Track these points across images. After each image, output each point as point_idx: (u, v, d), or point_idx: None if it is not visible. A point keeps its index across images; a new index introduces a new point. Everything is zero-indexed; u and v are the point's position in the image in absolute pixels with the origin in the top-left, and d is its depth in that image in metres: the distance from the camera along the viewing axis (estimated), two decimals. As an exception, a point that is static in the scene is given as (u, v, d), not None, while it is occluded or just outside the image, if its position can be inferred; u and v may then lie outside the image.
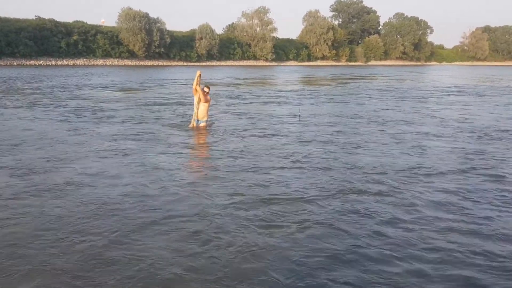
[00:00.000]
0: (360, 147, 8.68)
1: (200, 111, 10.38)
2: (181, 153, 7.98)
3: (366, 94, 21.96)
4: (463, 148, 8.67)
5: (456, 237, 4.34)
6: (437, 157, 7.81)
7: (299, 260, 3.84)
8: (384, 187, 5.92)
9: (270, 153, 7.95)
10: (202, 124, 10.50)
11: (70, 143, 8.58)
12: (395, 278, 3.56)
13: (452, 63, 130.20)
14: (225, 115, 13.31)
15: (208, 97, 10.52)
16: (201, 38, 79.04)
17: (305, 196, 5.51)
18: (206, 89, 10.41)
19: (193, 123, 10.46)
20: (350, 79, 38.91)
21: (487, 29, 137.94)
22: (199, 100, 10.22)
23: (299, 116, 12.96)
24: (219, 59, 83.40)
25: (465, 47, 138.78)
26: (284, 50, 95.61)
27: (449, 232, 4.46)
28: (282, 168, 6.88)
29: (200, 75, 10.21)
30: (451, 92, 24.19)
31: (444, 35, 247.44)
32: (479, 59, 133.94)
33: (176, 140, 9.18)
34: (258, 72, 50.57)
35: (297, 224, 4.62)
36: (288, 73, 49.89)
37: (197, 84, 10.14)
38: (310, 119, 12.58)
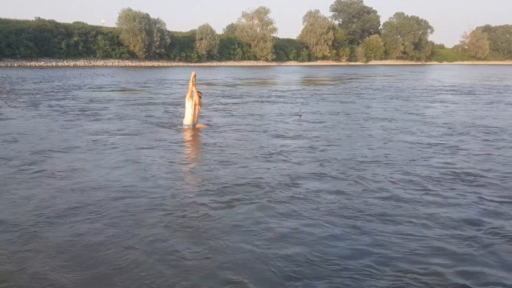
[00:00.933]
0: (362, 146, 8.67)
1: (196, 114, 10.16)
2: (177, 151, 7.98)
3: (369, 94, 21.96)
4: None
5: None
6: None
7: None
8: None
9: (269, 152, 7.95)
10: (199, 125, 10.35)
11: (58, 139, 8.61)
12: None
13: (453, 63, 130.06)
14: (225, 114, 13.31)
15: (201, 100, 10.25)
16: (201, 39, 79.02)
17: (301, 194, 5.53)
18: (199, 94, 10.14)
19: (189, 127, 10.12)
20: (351, 78, 38.92)
21: (487, 29, 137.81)
22: (196, 102, 9.93)
23: (300, 115, 12.98)
24: (220, 60, 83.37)
25: (466, 47, 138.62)
26: (284, 50, 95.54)
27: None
28: (280, 163, 6.90)
29: (195, 75, 10.08)
30: (457, 91, 24.20)
31: (445, 35, 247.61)
32: (479, 59, 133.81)
33: (171, 139, 9.19)
34: (258, 73, 50.59)
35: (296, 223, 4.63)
36: (288, 73, 49.90)
37: (193, 85, 9.99)
38: (311, 118, 12.58)
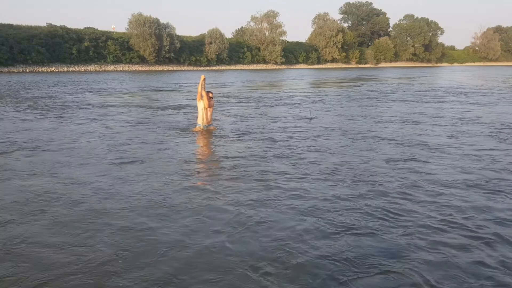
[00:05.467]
0: (373, 149, 8.55)
1: (208, 116, 10.34)
2: (189, 153, 7.94)
3: (381, 97, 21.78)
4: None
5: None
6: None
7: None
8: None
9: (280, 154, 7.87)
10: (211, 128, 10.49)
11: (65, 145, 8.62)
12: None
13: (464, 64, 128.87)
14: (236, 117, 13.27)
15: (212, 101, 10.45)
16: (211, 43, 79.29)
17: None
18: (210, 94, 10.33)
19: (201, 128, 10.32)
20: (362, 80, 38.69)
21: (498, 29, 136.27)
22: (205, 106, 10.10)
23: (310, 118, 12.89)
24: (229, 63, 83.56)
25: (477, 48, 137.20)
26: (293, 53, 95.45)
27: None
28: (291, 169, 6.81)
29: (204, 79, 10.22)
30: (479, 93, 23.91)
31: (455, 36, 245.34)
32: (491, 60, 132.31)
33: (182, 141, 9.16)
34: (268, 76, 50.57)
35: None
36: (298, 77, 49.80)
37: (202, 88, 10.09)
38: (321, 121, 12.48)
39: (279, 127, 11.34)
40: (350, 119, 12.97)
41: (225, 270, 3.64)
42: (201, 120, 10.28)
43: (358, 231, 4.40)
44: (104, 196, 5.50)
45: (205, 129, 10.36)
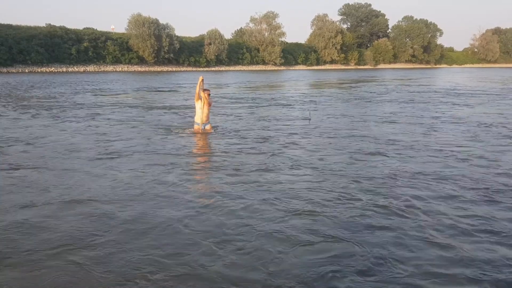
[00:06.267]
0: (378, 152, 8.59)
1: (205, 114, 10.47)
2: (185, 155, 7.96)
3: (378, 97, 21.83)
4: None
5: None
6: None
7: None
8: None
9: (279, 154, 7.90)
10: (208, 127, 10.59)
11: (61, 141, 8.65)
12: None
13: (463, 66, 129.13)
14: (234, 118, 13.30)
15: (210, 99, 10.60)
16: (210, 43, 79.35)
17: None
18: (207, 92, 10.47)
19: (199, 127, 10.49)
20: (361, 82, 38.76)
21: (497, 31, 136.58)
22: (204, 104, 10.28)
23: (309, 119, 12.93)
24: (228, 64, 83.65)
25: (476, 49, 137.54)
26: (292, 54, 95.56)
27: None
28: (290, 170, 6.84)
29: (202, 80, 10.36)
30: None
31: (454, 38, 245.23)
32: (489, 61, 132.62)
33: (181, 142, 9.20)
34: (267, 77, 50.62)
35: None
36: (297, 77, 49.86)
37: (199, 88, 10.26)
38: (320, 122, 12.52)
39: (279, 127, 11.37)
40: (350, 121, 13.02)
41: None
42: (199, 118, 10.47)
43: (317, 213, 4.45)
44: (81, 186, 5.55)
45: (203, 128, 10.48)
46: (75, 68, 62.31)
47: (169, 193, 5.67)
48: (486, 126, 11.69)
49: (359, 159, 7.64)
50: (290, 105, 17.73)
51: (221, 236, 4.30)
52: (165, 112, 14.83)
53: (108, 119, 12.99)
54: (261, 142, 9.23)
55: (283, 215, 4.87)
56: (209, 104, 10.48)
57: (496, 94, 23.69)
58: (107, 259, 3.83)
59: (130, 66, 69.39)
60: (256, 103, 18.54)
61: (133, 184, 6.06)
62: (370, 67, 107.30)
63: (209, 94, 10.45)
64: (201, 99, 10.21)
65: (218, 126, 11.44)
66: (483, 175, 6.57)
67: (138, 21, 70.08)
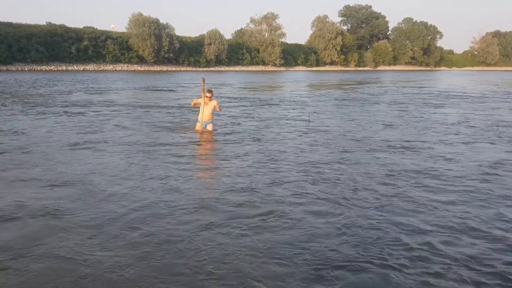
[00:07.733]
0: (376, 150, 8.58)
1: (206, 113, 10.45)
2: (186, 155, 7.94)
3: (380, 99, 21.83)
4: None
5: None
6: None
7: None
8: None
9: (278, 157, 7.88)
10: (209, 126, 10.57)
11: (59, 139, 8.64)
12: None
13: (462, 68, 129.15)
14: (235, 119, 13.29)
15: (213, 99, 10.59)
16: (210, 44, 79.23)
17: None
18: (208, 94, 10.47)
19: (200, 125, 10.54)
20: (361, 83, 38.77)
21: (497, 34, 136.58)
22: (204, 104, 10.37)
23: (309, 120, 12.92)
24: (228, 64, 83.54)
25: (475, 52, 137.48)
26: (292, 55, 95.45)
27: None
28: (290, 170, 6.82)
29: (203, 80, 10.44)
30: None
31: (454, 40, 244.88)
32: (489, 64, 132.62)
33: (182, 141, 9.18)
34: (267, 78, 50.62)
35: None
36: (297, 79, 49.87)
37: (201, 90, 10.37)
38: (320, 123, 12.51)
39: (279, 128, 11.37)
40: (351, 123, 13.01)
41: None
42: (200, 116, 10.53)
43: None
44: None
45: (204, 128, 10.52)
46: (75, 66, 62.17)
47: (166, 192, 5.65)
48: (481, 129, 11.72)
49: (362, 161, 7.63)
50: (290, 106, 17.73)
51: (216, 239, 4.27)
52: (166, 112, 14.81)
53: (109, 119, 12.95)
54: (261, 142, 9.23)
55: (282, 223, 4.84)
56: (208, 103, 10.47)
57: (494, 97, 23.71)
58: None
59: (130, 66, 69.25)
60: (256, 103, 18.53)
61: (126, 176, 6.06)
62: (370, 68, 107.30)
63: (212, 95, 10.52)
64: (204, 99, 10.33)
65: (218, 126, 11.43)
66: (469, 173, 6.59)
67: (139, 21, 69.95)
